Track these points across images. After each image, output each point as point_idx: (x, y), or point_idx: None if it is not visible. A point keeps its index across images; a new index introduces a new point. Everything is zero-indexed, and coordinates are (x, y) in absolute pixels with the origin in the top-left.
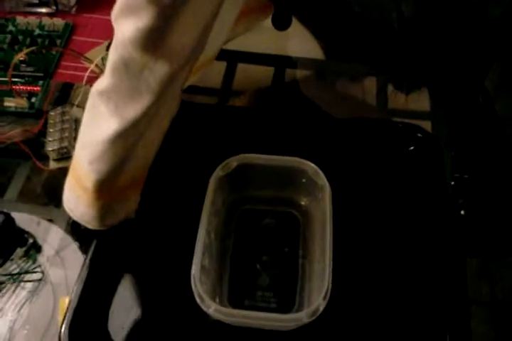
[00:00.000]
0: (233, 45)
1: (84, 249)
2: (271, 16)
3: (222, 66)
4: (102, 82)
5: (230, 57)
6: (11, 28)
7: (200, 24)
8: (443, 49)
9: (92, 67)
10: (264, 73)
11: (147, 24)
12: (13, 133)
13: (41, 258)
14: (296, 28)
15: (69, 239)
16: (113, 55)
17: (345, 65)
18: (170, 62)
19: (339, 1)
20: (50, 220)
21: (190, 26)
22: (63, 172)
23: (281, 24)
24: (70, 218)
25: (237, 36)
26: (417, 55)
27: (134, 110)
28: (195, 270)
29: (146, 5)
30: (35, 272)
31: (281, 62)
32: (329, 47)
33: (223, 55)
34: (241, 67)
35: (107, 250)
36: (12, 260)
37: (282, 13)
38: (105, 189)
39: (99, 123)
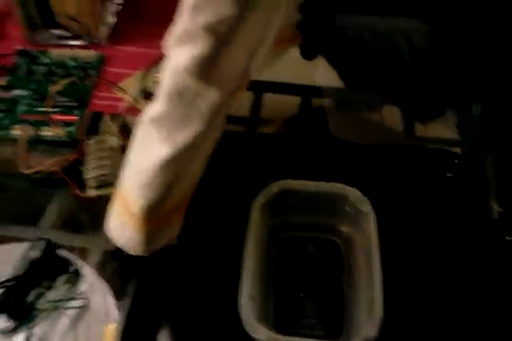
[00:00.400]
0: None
1: (123, 274)
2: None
3: (248, 94)
4: (155, 110)
5: (257, 87)
6: (45, 60)
7: (250, 51)
8: (458, 78)
9: (127, 97)
10: (290, 101)
11: (203, 52)
12: (52, 161)
13: (82, 286)
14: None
15: (106, 266)
16: (167, 83)
17: (365, 95)
18: (221, 90)
19: (349, 33)
20: (85, 248)
21: (241, 53)
22: (100, 200)
23: (308, 54)
24: (107, 245)
25: (267, 65)
26: (430, 85)
27: (185, 136)
28: (244, 298)
29: (203, 33)
30: (77, 299)
31: (307, 92)
32: (345, 77)
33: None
34: (268, 95)
35: (151, 277)
36: (54, 287)
37: (310, 43)
38: (152, 215)
39: (150, 150)
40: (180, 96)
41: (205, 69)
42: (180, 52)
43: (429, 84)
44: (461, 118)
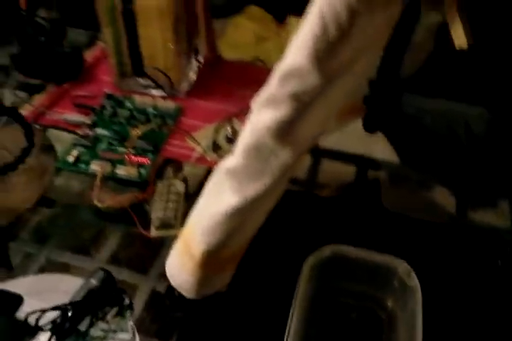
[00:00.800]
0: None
1: (172, 314)
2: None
3: (307, 158)
4: (232, 161)
5: (316, 153)
6: (129, 105)
7: (325, 117)
8: None
9: (198, 148)
10: (347, 170)
11: (285, 116)
12: (123, 198)
13: (131, 320)
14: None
15: (153, 304)
16: (247, 139)
17: (420, 173)
18: (294, 151)
19: (411, 112)
20: (135, 285)
21: (318, 119)
22: (159, 241)
23: (370, 127)
24: (157, 285)
25: (330, 132)
26: (485, 171)
27: (254, 190)
28: None
29: (288, 100)
30: (126, 332)
31: (364, 163)
32: (402, 153)
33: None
34: (326, 161)
35: (197, 320)
36: (106, 318)
37: (373, 117)
38: (210, 260)
39: (220, 198)
40: (257, 152)
41: (285, 131)
42: (264, 112)
43: (484, 170)
44: None
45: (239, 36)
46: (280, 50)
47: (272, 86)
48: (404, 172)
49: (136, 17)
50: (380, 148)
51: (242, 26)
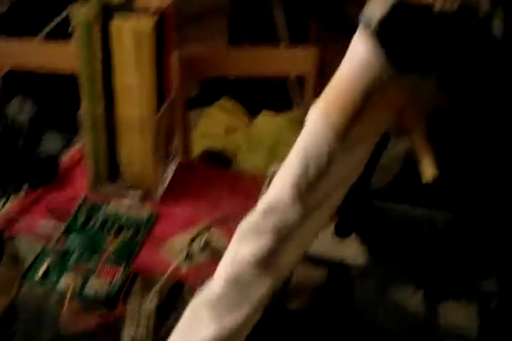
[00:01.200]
0: None
1: None
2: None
3: None
4: (210, 291)
5: None
6: (103, 210)
7: (303, 247)
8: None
9: (172, 259)
10: (319, 274)
11: (265, 249)
12: (90, 318)
13: None
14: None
15: None
16: (227, 270)
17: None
18: (273, 281)
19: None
20: None
21: (295, 250)
22: None
23: (342, 232)
24: None
25: None
26: (450, 265)
27: (233, 320)
28: None
29: (269, 232)
30: None
31: (336, 267)
32: (373, 251)
33: None
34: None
35: None
36: None
37: (345, 224)
38: None
39: (198, 328)
40: (237, 284)
41: (265, 262)
42: (245, 244)
43: (450, 265)
44: (481, 305)
45: (210, 127)
46: (248, 140)
47: (254, 218)
48: (374, 269)
49: (117, 126)
50: (350, 251)
51: (214, 117)
